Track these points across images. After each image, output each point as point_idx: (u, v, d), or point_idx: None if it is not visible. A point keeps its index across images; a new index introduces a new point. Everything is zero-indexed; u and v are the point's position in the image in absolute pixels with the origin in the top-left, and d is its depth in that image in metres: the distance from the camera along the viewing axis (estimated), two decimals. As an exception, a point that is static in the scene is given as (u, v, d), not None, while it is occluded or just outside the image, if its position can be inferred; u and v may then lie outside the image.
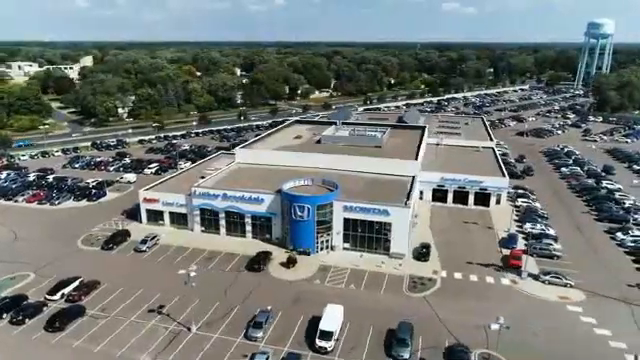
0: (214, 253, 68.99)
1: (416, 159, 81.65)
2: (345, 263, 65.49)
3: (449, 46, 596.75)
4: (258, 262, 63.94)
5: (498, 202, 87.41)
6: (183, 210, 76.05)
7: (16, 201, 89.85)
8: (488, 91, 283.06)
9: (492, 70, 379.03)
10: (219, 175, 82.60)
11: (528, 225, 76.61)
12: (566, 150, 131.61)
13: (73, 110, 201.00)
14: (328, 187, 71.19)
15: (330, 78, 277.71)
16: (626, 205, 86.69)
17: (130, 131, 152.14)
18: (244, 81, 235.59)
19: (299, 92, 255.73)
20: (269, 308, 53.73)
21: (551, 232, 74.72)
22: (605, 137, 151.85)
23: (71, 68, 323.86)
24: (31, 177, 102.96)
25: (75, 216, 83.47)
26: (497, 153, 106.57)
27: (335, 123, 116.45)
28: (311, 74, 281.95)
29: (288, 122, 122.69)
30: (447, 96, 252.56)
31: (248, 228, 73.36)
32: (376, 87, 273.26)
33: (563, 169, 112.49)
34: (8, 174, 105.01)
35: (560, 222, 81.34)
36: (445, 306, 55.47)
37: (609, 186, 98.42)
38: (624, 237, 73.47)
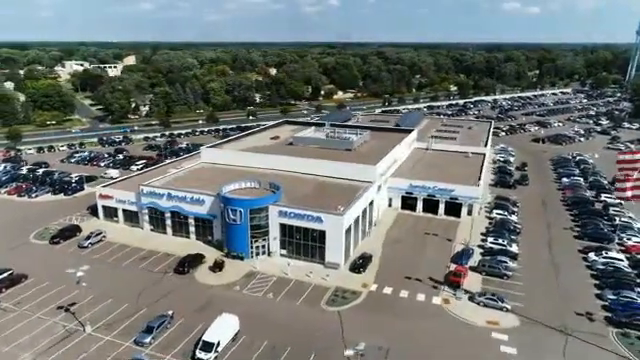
0: (152, 253, 68.63)
1: (375, 164, 77.29)
2: (275, 270, 62.97)
3: (501, 47, 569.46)
4: (184, 265, 62.79)
5: (469, 213, 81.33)
6: (134, 208, 76.42)
7: (5, 189, 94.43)
8: (524, 94, 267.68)
9: (537, 72, 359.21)
10: (178, 174, 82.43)
11: (490, 240, 70.52)
12: (578, 159, 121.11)
13: (100, 107, 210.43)
14: (272, 190, 68.91)
15: (358, 79, 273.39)
16: (616, 222, 77.85)
17: (136, 128, 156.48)
18: (266, 81, 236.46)
19: (322, 93, 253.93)
20: (170, 313, 52.38)
21: (513, 249, 68.28)
22: (632, 146, 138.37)
23: (115, 67, 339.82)
24: (24, 170, 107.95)
25: (45, 210, 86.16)
26: (487, 160, 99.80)
27: (324, 125, 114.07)
28: (340, 75, 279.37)
29: (277, 122, 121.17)
30: (476, 98, 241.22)
31: (192, 229, 72.51)
32: (403, 88, 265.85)
33: (564, 179, 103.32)
34: (5, 166, 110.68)
35: (532, 238, 74.41)
36: (355, 323, 51.75)
37: (608, 200, 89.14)
38: (596, 258, 65.85)
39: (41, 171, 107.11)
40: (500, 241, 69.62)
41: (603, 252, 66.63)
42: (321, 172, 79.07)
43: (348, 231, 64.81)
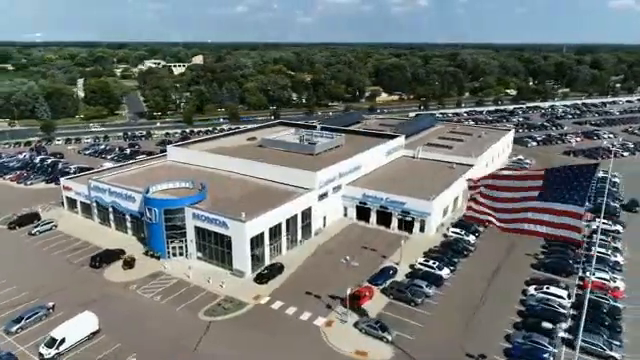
0: (86, 244, 71.37)
1: (316, 171, 73.55)
2: (178, 273, 62.37)
3: (593, 48, 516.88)
4: (96, 259, 64.37)
5: (422, 229, 74.55)
6: (88, 201, 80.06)
7: (4, 178, 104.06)
8: (592, 100, 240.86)
9: (622, 76, 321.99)
10: (136, 170, 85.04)
11: (420, 260, 64.05)
12: (601, 176, 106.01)
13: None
14: (197, 191, 68.48)
15: (407, 81, 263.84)
16: (591, 253, 66.75)
17: (158, 124, 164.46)
18: (306, 82, 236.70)
19: (366, 94, 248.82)
20: (50, 305, 53.96)
21: (442, 272, 61.27)
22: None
23: (181, 66, 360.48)
24: (37, 159, 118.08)
25: (28, 196, 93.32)
26: (477, 171, 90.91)
27: (315, 127, 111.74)
28: (390, 77, 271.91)
29: (271, 122, 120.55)
30: (530, 104, 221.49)
31: (128, 225, 74.32)
32: (453, 91, 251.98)
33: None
34: (24, 155, 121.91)
35: (480, 262, 66.42)
36: (220, 336, 49.63)
37: (604, 226, 76.98)
38: (534, 293, 57.03)
39: (49, 161, 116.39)
40: (430, 263, 62.91)
41: (545, 286, 57.49)
42: (266, 176, 77.12)
43: (259, 238, 62.47)
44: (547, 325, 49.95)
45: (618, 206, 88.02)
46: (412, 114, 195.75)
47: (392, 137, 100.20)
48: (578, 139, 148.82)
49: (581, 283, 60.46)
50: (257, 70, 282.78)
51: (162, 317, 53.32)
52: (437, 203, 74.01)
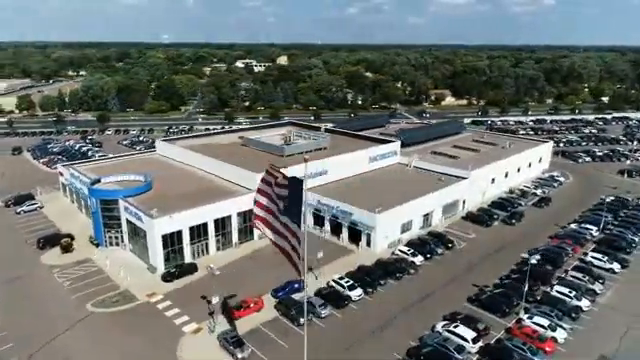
0: (52, 226, 76.91)
1: (257, 172, 70.78)
2: (103, 262, 64.26)
3: None
4: (41, 241, 68.89)
5: (368, 244, 68.16)
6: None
7: (39, 161, 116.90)
8: None
9: None
10: (122, 161, 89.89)
11: (335, 277, 58.47)
12: (636, 202, 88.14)
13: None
14: (139, 183, 70.35)
15: (477, 84, 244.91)
16: (551, 291, 55.56)
17: (200, 120, 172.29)
18: (366, 83, 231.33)
19: (432, 97, 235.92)
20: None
21: (353, 293, 55.19)
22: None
23: (261, 66, 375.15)
24: (77, 147, 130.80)
25: (48, 178, 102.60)
26: (472, 186, 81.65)
27: (319, 128, 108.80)
28: (462, 79, 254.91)
29: (280, 123, 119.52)
30: (617, 114, 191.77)
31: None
32: (528, 97, 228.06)
33: (572, 225, 77.01)
34: (68, 143, 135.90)
35: (410, 287, 58.95)
36: (91, 326, 50.33)
37: (594, 260, 63.74)
38: (440, 330, 48.88)
39: (84, 149, 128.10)
40: (343, 282, 57.16)
41: (454, 324, 48.94)
42: (219, 173, 76.81)
43: (175, 236, 62.13)
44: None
45: (637, 240, 72.00)
46: (467, 120, 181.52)
47: (384, 142, 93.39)
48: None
49: (511, 326, 50.43)
50: (328, 71, 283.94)
51: (55, 302, 55.44)
52: (385, 217, 66.94)
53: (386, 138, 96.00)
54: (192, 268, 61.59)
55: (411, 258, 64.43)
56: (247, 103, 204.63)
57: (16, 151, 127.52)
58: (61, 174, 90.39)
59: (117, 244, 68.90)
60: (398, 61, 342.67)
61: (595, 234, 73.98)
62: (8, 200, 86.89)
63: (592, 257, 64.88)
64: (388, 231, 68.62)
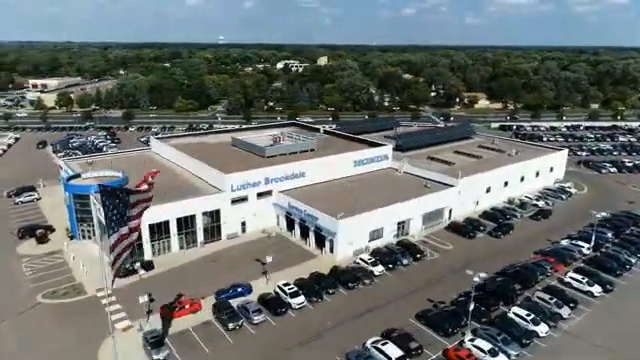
0: (41, 219, 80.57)
1: (230, 174, 70.46)
2: (70, 255, 66.28)
3: None
4: (21, 231, 72.24)
5: (332, 250, 65.93)
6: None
7: (59, 154, 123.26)
8: None
9: None
10: (115, 157, 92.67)
11: (280, 284, 56.83)
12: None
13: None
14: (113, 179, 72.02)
15: (517, 87, 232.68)
16: (509, 313, 51.15)
17: (219, 118, 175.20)
18: (395, 85, 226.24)
19: (465, 100, 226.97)
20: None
21: (294, 301, 53.53)
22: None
23: (299, 66, 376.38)
24: (96, 142, 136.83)
25: (55, 173, 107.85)
26: (460, 194, 77.43)
27: (318, 130, 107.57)
28: (499, 82, 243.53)
29: (283, 123, 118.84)
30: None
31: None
32: (569, 102, 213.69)
33: (564, 241, 70.76)
34: (92, 137, 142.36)
35: (361, 297, 56.34)
36: (33, 316, 52.00)
37: (573, 282, 58.15)
38: (368, 347, 46.16)
39: (102, 144, 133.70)
40: (287, 289, 55.47)
41: (382, 342, 45.97)
42: (199, 174, 77.32)
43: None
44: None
45: (634, 262, 64.95)
46: (495, 125, 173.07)
47: (374, 145, 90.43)
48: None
49: (448, 348, 46.78)
50: (364, 72, 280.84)
51: (10, 291, 57.73)
52: (348, 223, 64.41)
53: (377, 142, 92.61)
54: (148, 265, 62.18)
55: (370, 267, 61.65)
56: (271, 103, 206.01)
57: (41, 145, 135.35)
58: (61, 168, 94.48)
59: (90, 237, 70.96)
60: (439, 62, 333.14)
61: (587, 252, 67.54)
62: (10, 191, 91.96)
63: (570, 278, 59.25)
64: (352, 238, 66.05)
